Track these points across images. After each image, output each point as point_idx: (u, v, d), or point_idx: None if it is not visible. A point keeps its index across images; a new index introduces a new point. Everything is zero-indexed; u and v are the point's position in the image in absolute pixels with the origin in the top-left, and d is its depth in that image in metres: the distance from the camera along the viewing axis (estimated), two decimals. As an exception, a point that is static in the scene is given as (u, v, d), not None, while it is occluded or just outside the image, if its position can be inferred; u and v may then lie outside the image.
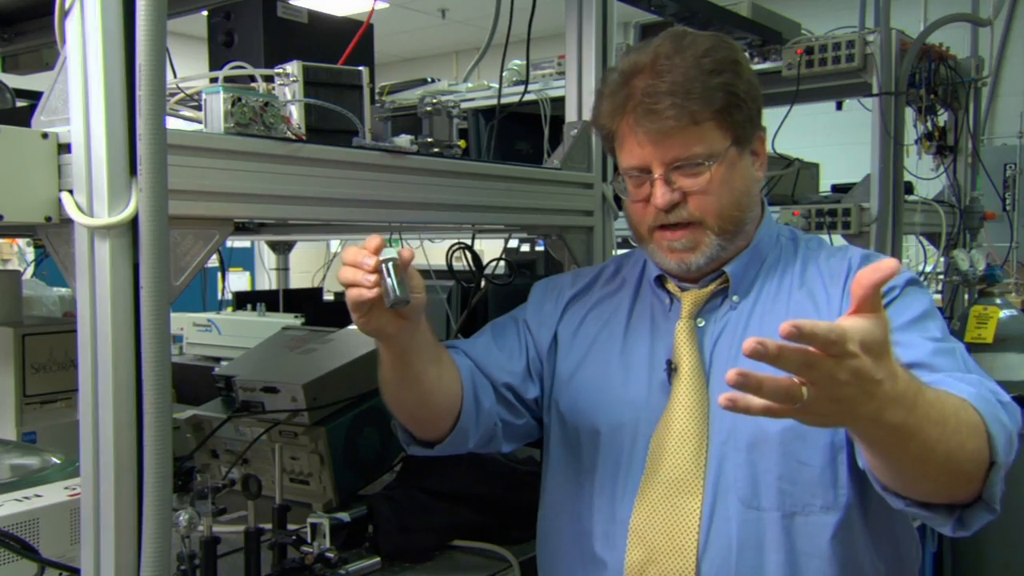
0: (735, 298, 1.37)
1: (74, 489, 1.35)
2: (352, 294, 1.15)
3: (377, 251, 1.13)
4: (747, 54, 2.82)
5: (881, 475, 1.10)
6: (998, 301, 2.99)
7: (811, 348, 0.85)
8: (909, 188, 2.89)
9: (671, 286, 1.41)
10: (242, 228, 2.91)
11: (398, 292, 1.13)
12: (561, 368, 1.46)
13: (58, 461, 1.55)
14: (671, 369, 1.33)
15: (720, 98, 1.27)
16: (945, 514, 1.08)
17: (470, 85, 3.09)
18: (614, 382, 1.39)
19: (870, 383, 0.89)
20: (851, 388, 0.88)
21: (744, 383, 0.84)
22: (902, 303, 1.25)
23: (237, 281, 6.91)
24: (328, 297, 3.98)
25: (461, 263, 2.09)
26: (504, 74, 2.22)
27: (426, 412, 1.37)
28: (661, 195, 1.29)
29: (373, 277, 1.12)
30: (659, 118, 1.26)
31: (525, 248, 3.44)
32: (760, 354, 0.83)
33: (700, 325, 1.36)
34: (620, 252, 2.51)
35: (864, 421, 0.95)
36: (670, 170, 1.29)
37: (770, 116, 2.98)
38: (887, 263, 0.89)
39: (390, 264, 1.12)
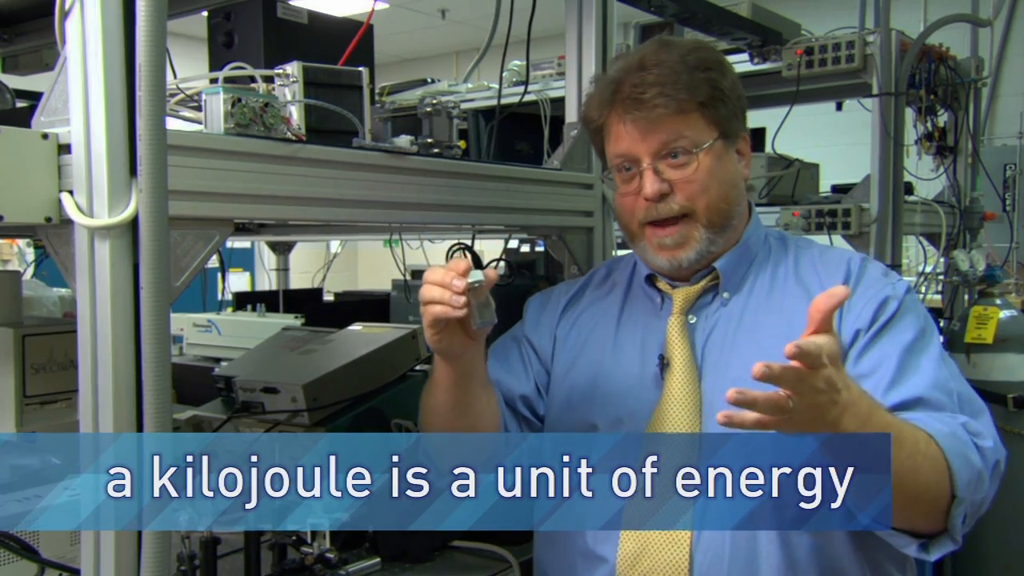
0: (726, 295, 1.38)
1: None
2: (436, 311, 1.16)
3: (465, 274, 1.15)
4: (747, 54, 2.82)
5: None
6: (998, 301, 2.98)
7: (800, 365, 0.96)
8: (909, 188, 2.88)
9: (662, 284, 1.42)
10: (242, 228, 2.90)
11: (485, 314, 1.18)
12: (557, 367, 1.47)
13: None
14: (663, 364, 1.35)
15: (705, 91, 1.30)
16: (909, 538, 1.13)
17: (470, 85, 3.10)
18: (606, 378, 1.40)
19: (835, 391, 1.01)
20: (824, 395, 1.00)
21: (742, 400, 0.96)
22: (903, 322, 1.28)
23: (237, 282, 6.90)
24: (328, 298, 3.98)
25: (461, 263, 2.09)
26: (504, 74, 2.22)
27: None
28: (650, 184, 1.31)
29: (462, 299, 1.15)
30: (646, 107, 1.28)
31: (525, 248, 3.44)
32: (767, 376, 0.95)
33: (692, 322, 1.37)
34: (620, 253, 2.51)
35: (827, 427, 1.03)
36: (658, 159, 1.31)
37: (770, 116, 2.99)
38: (839, 290, 1.01)
39: (476, 286, 1.16)
